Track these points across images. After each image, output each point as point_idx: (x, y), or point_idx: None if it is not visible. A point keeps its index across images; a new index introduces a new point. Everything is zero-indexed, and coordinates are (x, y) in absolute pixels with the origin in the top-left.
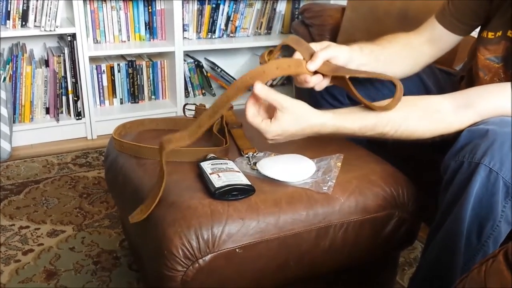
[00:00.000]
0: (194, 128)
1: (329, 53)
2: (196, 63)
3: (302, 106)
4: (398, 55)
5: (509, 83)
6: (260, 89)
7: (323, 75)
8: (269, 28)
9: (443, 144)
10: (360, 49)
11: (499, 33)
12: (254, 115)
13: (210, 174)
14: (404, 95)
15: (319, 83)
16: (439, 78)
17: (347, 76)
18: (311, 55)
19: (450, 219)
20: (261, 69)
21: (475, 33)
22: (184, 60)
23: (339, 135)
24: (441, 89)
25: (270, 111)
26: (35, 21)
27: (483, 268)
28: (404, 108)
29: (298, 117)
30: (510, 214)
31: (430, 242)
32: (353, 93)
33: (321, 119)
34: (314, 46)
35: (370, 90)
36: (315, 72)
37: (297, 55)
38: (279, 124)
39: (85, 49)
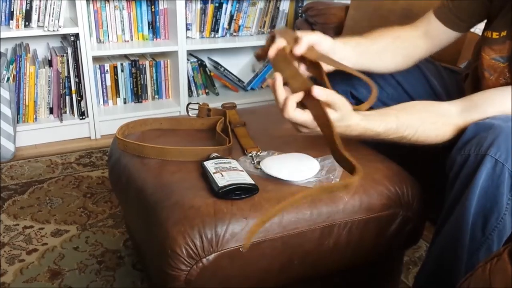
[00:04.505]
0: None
1: (313, 38)
2: (199, 62)
3: (348, 105)
4: (388, 48)
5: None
6: (320, 91)
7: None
8: (272, 27)
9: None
10: (343, 43)
11: (503, 33)
12: (297, 109)
13: (214, 173)
14: (410, 93)
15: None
16: (444, 76)
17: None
18: (296, 40)
19: (455, 212)
20: None
21: (479, 31)
22: (187, 60)
23: (363, 138)
24: (446, 88)
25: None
26: (38, 21)
27: (488, 266)
28: (419, 114)
29: (344, 115)
30: None
31: (435, 237)
32: (327, 86)
33: (356, 119)
34: (298, 33)
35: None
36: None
37: (280, 42)
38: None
39: (88, 49)
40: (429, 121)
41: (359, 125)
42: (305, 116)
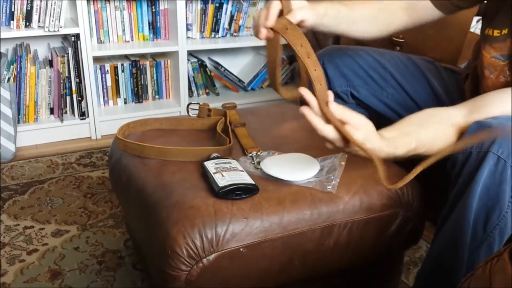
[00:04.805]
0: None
1: (305, 15)
2: (199, 62)
3: (371, 128)
4: (368, 18)
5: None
6: (336, 108)
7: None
8: None
9: None
10: (325, 14)
11: (505, 31)
12: (325, 124)
13: (214, 173)
14: (410, 94)
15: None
16: (444, 76)
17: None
18: (289, 11)
19: (457, 209)
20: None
21: (479, 30)
22: (188, 60)
23: (386, 159)
24: (447, 88)
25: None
26: (39, 21)
27: (488, 266)
28: (434, 126)
29: (367, 136)
30: None
31: (436, 235)
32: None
33: (380, 145)
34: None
35: (374, 88)
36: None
37: (275, 4)
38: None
39: (89, 49)
40: (441, 133)
41: (383, 151)
42: (330, 134)
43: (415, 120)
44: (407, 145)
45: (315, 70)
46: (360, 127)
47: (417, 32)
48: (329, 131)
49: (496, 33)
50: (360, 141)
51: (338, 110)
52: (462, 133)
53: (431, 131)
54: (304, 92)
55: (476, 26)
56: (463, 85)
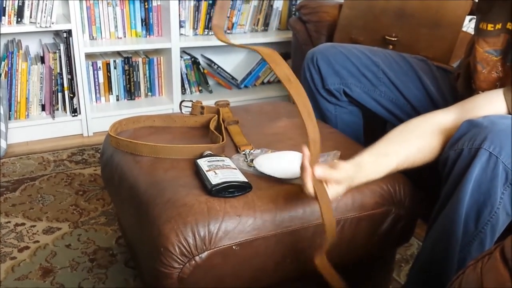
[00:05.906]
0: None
1: None
2: (192, 59)
3: (350, 174)
4: None
5: (501, 91)
6: (321, 172)
7: None
8: (266, 24)
9: None
10: None
11: (498, 26)
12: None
13: (207, 171)
14: (403, 92)
15: None
16: (436, 75)
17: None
18: None
19: (448, 205)
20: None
21: (471, 30)
22: (181, 57)
23: None
24: (439, 86)
25: None
26: (30, 17)
27: (479, 265)
28: (415, 141)
29: (348, 182)
30: (509, 203)
31: (428, 231)
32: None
33: (358, 180)
34: None
35: (367, 86)
36: None
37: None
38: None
39: (81, 46)
40: (427, 147)
41: (361, 183)
42: (310, 192)
43: (396, 138)
44: (386, 167)
45: (313, 132)
46: (340, 181)
47: (410, 31)
48: (310, 192)
49: (490, 27)
50: (333, 197)
51: (322, 173)
52: (450, 135)
53: (414, 146)
54: (306, 151)
55: (468, 25)
56: (455, 84)
